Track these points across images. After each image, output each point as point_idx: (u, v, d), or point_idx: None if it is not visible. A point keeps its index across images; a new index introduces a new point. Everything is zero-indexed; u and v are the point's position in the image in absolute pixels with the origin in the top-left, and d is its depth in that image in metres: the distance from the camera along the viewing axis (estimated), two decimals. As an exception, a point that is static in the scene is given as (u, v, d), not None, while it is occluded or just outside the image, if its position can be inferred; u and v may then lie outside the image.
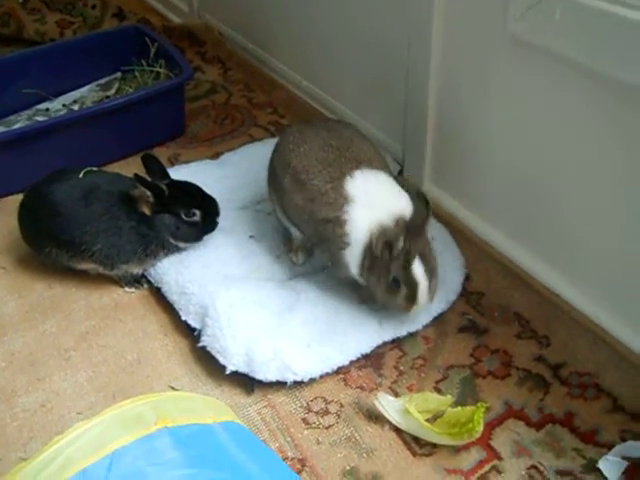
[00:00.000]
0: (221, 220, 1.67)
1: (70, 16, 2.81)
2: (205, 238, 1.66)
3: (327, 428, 1.35)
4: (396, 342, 1.50)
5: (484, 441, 1.30)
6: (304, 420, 1.36)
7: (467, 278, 1.64)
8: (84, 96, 2.35)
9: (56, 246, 1.61)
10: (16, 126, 2.18)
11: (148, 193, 1.56)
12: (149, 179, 1.58)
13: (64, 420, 1.38)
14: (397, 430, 1.33)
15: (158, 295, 1.64)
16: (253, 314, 1.48)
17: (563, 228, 1.50)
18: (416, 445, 1.31)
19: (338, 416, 1.37)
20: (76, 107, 2.29)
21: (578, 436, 1.31)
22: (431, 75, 1.69)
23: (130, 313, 1.62)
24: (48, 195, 1.61)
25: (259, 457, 1.04)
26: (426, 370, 1.45)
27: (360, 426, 1.35)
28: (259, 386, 1.42)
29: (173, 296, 1.58)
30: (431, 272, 1.39)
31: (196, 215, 1.62)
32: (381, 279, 1.41)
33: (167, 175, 1.63)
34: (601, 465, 1.24)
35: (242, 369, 1.40)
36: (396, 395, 1.39)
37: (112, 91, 2.35)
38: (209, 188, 1.68)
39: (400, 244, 1.34)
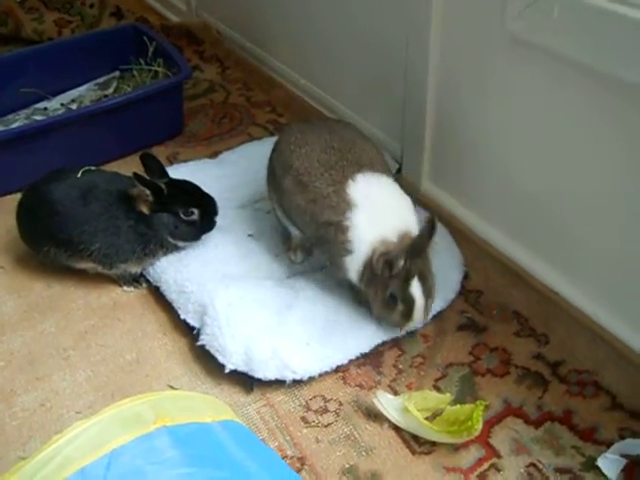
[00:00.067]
0: (220, 219, 1.67)
1: (68, 15, 2.80)
2: (204, 237, 1.66)
3: (326, 426, 1.35)
4: (395, 340, 1.50)
5: (483, 439, 1.30)
6: (303, 419, 1.36)
7: (466, 276, 1.64)
8: (82, 95, 2.35)
9: (54, 245, 1.61)
10: (14, 125, 2.18)
11: (147, 192, 1.56)
12: (148, 178, 1.57)
13: (63, 419, 1.38)
14: (396, 428, 1.33)
15: (157, 294, 1.64)
16: (252, 313, 1.48)
17: (562, 226, 1.50)
18: (415, 443, 1.31)
19: (337, 414, 1.37)
20: (74, 106, 2.29)
21: (577, 434, 1.31)
22: (429, 74, 1.69)
23: (129, 312, 1.62)
24: (46, 194, 1.61)
25: (258, 456, 1.04)
26: (425, 368, 1.45)
27: (359, 424, 1.35)
28: (258, 385, 1.42)
29: (172, 295, 1.58)
30: (428, 291, 1.40)
31: (195, 214, 1.61)
32: (378, 293, 1.41)
33: (166, 174, 1.63)
34: (600, 463, 1.24)
35: (241, 368, 1.41)
36: (395, 393, 1.39)
37: (110, 90, 2.35)
38: (208, 187, 1.68)
39: (400, 263, 1.35)
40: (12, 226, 1.71)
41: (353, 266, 1.43)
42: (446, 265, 1.58)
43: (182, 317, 1.54)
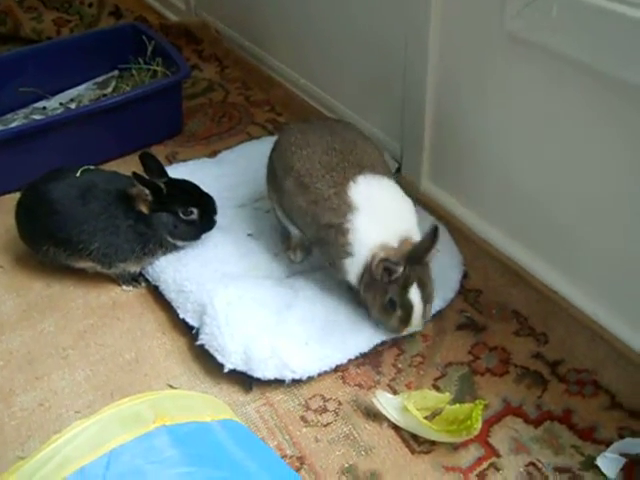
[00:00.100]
0: (219, 218, 1.67)
1: (67, 14, 2.80)
2: (203, 236, 1.66)
3: (325, 426, 1.35)
4: (394, 340, 1.50)
5: (482, 438, 1.30)
6: (302, 418, 1.36)
7: (465, 276, 1.64)
8: (81, 94, 2.35)
9: (54, 245, 1.61)
10: (13, 125, 2.18)
11: (146, 191, 1.56)
12: (147, 177, 1.57)
13: (62, 419, 1.38)
14: (395, 428, 1.33)
15: (156, 293, 1.64)
16: (251, 312, 1.48)
17: (561, 226, 1.50)
18: (414, 442, 1.31)
19: (336, 414, 1.37)
20: (73, 105, 2.29)
21: (576, 433, 1.31)
22: (429, 73, 1.69)
23: (128, 311, 1.62)
24: (45, 194, 1.61)
25: (257, 455, 1.04)
26: (424, 368, 1.45)
27: (358, 424, 1.35)
28: (257, 384, 1.42)
29: (171, 294, 1.58)
30: (427, 298, 1.40)
31: (194, 213, 1.61)
32: (377, 298, 1.42)
33: (165, 173, 1.63)
34: (599, 462, 1.24)
35: (240, 367, 1.40)
36: (394, 393, 1.39)
37: (109, 89, 2.35)
38: (207, 186, 1.68)
39: (400, 270, 1.35)
40: (11, 225, 1.71)
41: (353, 269, 1.44)
42: (445, 264, 1.58)
43: (181, 316, 1.54)
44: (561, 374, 1.42)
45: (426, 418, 1.30)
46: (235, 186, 1.89)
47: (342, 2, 1.97)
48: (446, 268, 1.58)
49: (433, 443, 1.30)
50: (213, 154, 2.10)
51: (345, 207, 1.42)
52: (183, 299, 1.55)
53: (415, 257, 1.37)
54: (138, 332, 1.56)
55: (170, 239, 1.62)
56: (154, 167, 1.61)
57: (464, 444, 1.29)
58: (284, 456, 1.29)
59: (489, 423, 1.33)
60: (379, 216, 1.42)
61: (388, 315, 1.42)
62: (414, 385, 1.42)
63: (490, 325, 1.53)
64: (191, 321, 1.52)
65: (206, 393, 1.37)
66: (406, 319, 1.40)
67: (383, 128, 1.99)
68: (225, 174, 1.93)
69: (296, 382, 1.41)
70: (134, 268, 1.65)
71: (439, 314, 1.54)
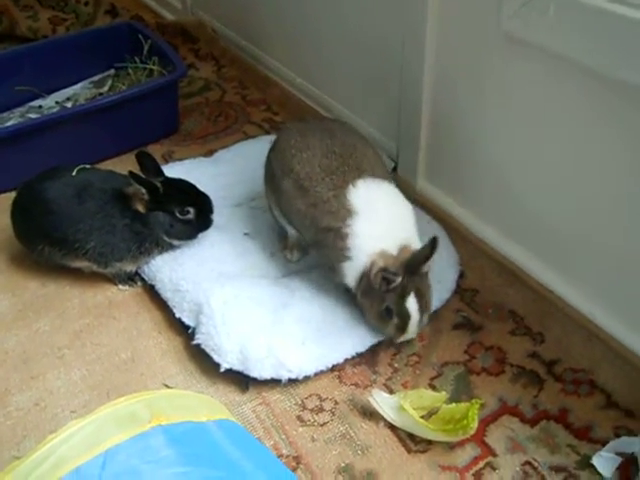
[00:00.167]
0: (215, 217, 1.66)
1: (63, 13, 2.79)
2: (200, 236, 1.66)
3: (322, 425, 1.35)
4: (391, 340, 1.49)
5: (479, 437, 1.30)
6: (299, 418, 1.36)
7: (461, 275, 1.64)
8: (77, 93, 2.34)
9: (49, 244, 1.61)
10: (9, 123, 2.17)
11: (142, 190, 1.55)
12: (143, 176, 1.57)
13: (58, 418, 1.37)
14: (392, 427, 1.33)
15: (152, 293, 1.64)
16: (247, 311, 1.48)
17: (558, 225, 1.50)
18: (411, 442, 1.31)
19: (333, 413, 1.37)
20: (69, 104, 2.28)
21: (572, 432, 1.31)
22: (425, 73, 1.69)
23: (124, 311, 1.61)
24: (41, 193, 1.60)
25: (254, 455, 1.04)
26: (421, 367, 1.45)
27: (355, 423, 1.35)
28: (253, 384, 1.42)
29: (167, 293, 1.58)
30: (424, 307, 1.40)
31: (190, 213, 1.61)
32: (374, 305, 1.41)
33: (161, 173, 1.62)
34: (595, 461, 1.25)
35: (236, 367, 1.40)
36: (391, 392, 1.39)
37: (105, 88, 2.35)
38: (203, 186, 1.67)
39: (398, 280, 1.35)
40: (6, 225, 1.70)
41: (350, 272, 1.43)
42: (442, 264, 1.58)
43: (177, 316, 1.53)
44: (557, 373, 1.42)
45: (422, 417, 1.30)
46: (231, 185, 1.89)
47: (339, 2, 1.97)
48: (442, 268, 1.58)
49: (429, 442, 1.30)
50: (209, 153, 2.09)
51: (344, 211, 1.42)
52: (179, 298, 1.54)
53: (413, 267, 1.36)
54: (134, 331, 1.56)
55: (166, 238, 1.62)
56: (150, 166, 1.61)
57: (460, 443, 1.29)
58: (280, 456, 1.29)
59: (485, 422, 1.33)
60: (379, 222, 1.41)
61: (384, 322, 1.42)
62: (410, 384, 1.42)
63: (486, 325, 1.53)
64: (187, 320, 1.52)
65: (202, 393, 1.38)
66: (402, 327, 1.40)
67: (379, 127, 1.99)
68: (221, 173, 1.93)
69: (292, 382, 1.41)
70: (130, 267, 1.64)
71: (435, 314, 1.54)
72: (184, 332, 1.53)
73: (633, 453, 1.24)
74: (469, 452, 1.29)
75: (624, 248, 1.37)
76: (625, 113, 1.26)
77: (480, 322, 1.54)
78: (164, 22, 2.86)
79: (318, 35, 2.13)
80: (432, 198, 1.84)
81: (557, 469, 1.25)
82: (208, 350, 1.43)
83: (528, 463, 1.26)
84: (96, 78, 2.40)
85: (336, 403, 1.39)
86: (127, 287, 1.67)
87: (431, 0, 1.58)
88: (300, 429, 1.34)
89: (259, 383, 1.41)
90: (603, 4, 1.19)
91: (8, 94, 2.23)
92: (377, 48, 1.87)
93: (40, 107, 2.27)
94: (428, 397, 1.35)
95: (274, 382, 1.40)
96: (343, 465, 1.27)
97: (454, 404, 1.32)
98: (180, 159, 2.05)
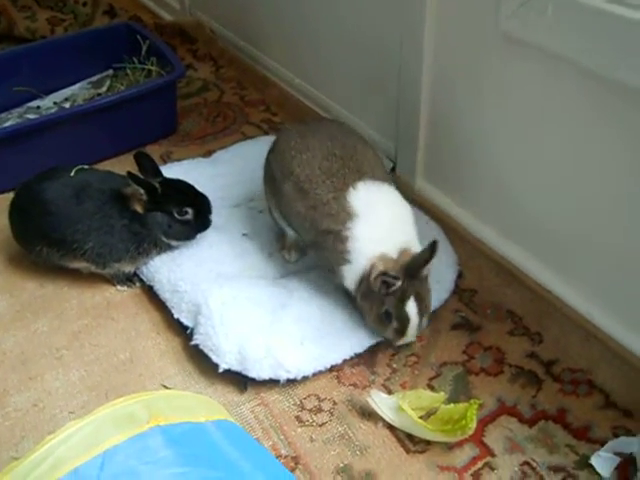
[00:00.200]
0: (214, 218, 1.66)
1: (61, 13, 2.79)
2: (198, 236, 1.66)
3: (320, 426, 1.35)
4: (389, 340, 1.50)
5: (477, 438, 1.30)
6: (297, 418, 1.36)
7: (460, 275, 1.64)
8: (75, 94, 2.34)
9: (47, 245, 1.60)
10: (7, 124, 2.17)
11: (141, 191, 1.55)
12: (142, 177, 1.57)
13: (56, 419, 1.37)
14: (390, 427, 1.33)
15: (150, 293, 1.64)
16: (246, 312, 1.48)
17: (556, 225, 1.50)
18: (409, 442, 1.31)
19: (331, 414, 1.37)
20: (67, 105, 2.28)
21: (571, 432, 1.31)
22: (424, 73, 1.69)
23: (122, 312, 1.61)
24: (39, 193, 1.60)
25: (252, 455, 1.04)
26: (419, 367, 1.45)
27: (353, 423, 1.35)
28: (252, 384, 1.41)
29: (165, 294, 1.58)
30: (424, 311, 1.40)
31: (188, 213, 1.61)
32: (374, 308, 1.41)
33: (160, 173, 1.62)
34: (593, 461, 1.25)
35: (235, 367, 1.40)
36: (389, 392, 1.39)
37: (103, 89, 2.35)
38: (202, 186, 1.67)
39: (398, 284, 1.35)
40: (4, 225, 1.70)
41: (350, 275, 1.43)
42: (440, 264, 1.58)
43: (176, 316, 1.53)
44: (555, 373, 1.42)
45: (421, 418, 1.30)
46: (230, 186, 1.89)
47: (337, 2, 1.97)
48: (441, 268, 1.58)
49: (428, 443, 1.30)
50: (208, 154, 2.09)
51: (344, 214, 1.42)
52: (177, 299, 1.54)
53: (413, 270, 1.36)
54: (132, 332, 1.56)
55: (165, 239, 1.62)
56: (149, 167, 1.61)
57: (459, 444, 1.29)
58: (279, 456, 1.29)
59: (484, 423, 1.33)
60: (379, 225, 1.41)
61: (384, 326, 1.42)
62: (409, 385, 1.42)
63: (485, 325, 1.53)
64: (185, 321, 1.51)
65: (201, 393, 1.38)
66: (402, 331, 1.40)
67: (378, 127, 1.99)
68: (220, 174, 1.93)
69: (291, 382, 1.41)
70: (128, 268, 1.64)
71: (434, 314, 1.54)
72: (182, 333, 1.53)
73: (632, 453, 1.24)
74: (468, 452, 1.29)
75: (622, 248, 1.37)
76: (623, 113, 1.26)
77: (478, 322, 1.54)
78: (162, 23, 2.85)
79: (316, 35, 2.13)
80: (430, 198, 1.84)
81: (556, 469, 1.25)
82: (206, 350, 1.43)
83: (527, 463, 1.26)
84: (94, 79, 2.40)
85: (335, 403, 1.39)
86: (125, 288, 1.67)
87: (430, 0, 1.58)
88: (299, 429, 1.34)
89: (257, 383, 1.41)
90: (601, 4, 1.20)
91: (6, 95, 2.22)
92: (375, 48, 1.87)
93: (38, 108, 2.27)
94: (427, 397, 1.35)
95: (272, 382, 1.40)
96: (342, 465, 1.27)
97: (452, 404, 1.32)
98: (178, 160, 2.05)
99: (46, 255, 1.62)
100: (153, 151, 2.08)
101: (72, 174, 1.63)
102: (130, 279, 1.67)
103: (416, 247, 1.41)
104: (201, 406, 1.09)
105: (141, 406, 1.00)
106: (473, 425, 1.26)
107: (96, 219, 1.58)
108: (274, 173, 1.57)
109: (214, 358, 1.41)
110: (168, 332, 1.56)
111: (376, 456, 1.29)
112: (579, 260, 1.48)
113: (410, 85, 1.75)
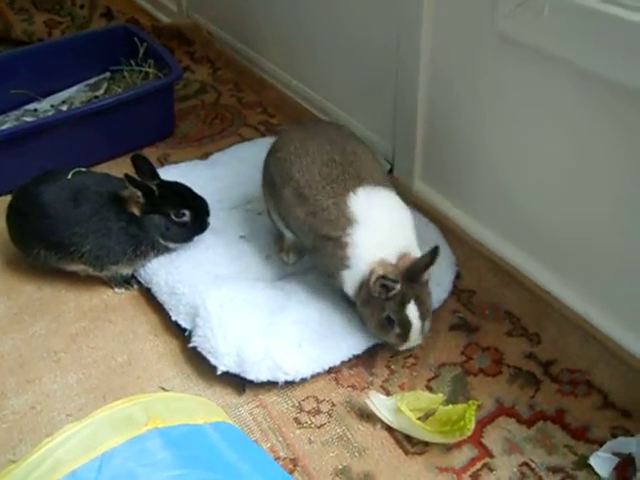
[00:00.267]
0: (211, 220, 1.66)
1: (58, 16, 2.79)
2: (195, 238, 1.66)
3: (319, 427, 1.34)
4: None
5: (475, 439, 1.30)
6: (296, 420, 1.36)
7: (458, 276, 1.64)
8: (73, 96, 2.34)
9: (45, 247, 1.60)
10: (4, 127, 2.16)
11: (138, 193, 1.55)
12: (139, 179, 1.57)
13: (54, 422, 1.37)
14: (389, 429, 1.33)
15: (148, 296, 1.64)
16: (244, 314, 1.47)
17: (554, 226, 1.51)
18: (408, 443, 1.31)
19: (330, 415, 1.37)
20: (65, 107, 2.28)
21: (569, 433, 1.31)
22: (420, 73, 1.69)
23: (120, 314, 1.61)
24: (37, 196, 1.60)
25: (251, 457, 1.04)
26: (417, 368, 1.45)
27: (352, 425, 1.35)
28: (250, 386, 1.41)
29: (163, 296, 1.58)
30: (425, 314, 1.39)
31: (186, 215, 1.61)
32: (374, 314, 1.41)
33: (157, 175, 1.62)
34: (592, 461, 1.25)
35: (233, 369, 1.40)
36: (388, 394, 1.39)
37: (101, 91, 2.34)
38: (199, 188, 1.67)
39: (398, 287, 1.34)
40: (2, 228, 1.70)
41: (349, 280, 1.43)
42: (438, 265, 1.58)
43: (173, 319, 1.53)
44: (554, 374, 1.42)
45: (419, 419, 1.30)
46: (227, 188, 1.88)
47: (333, 3, 1.98)
48: (439, 269, 1.57)
49: (426, 444, 1.30)
50: (205, 156, 2.09)
51: (344, 220, 1.41)
52: (175, 301, 1.54)
53: (413, 274, 1.36)
54: (130, 335, 1.56)
55: (162, 241, 1.62)
56: (146, 169, 1.61)
57: (457, 445, 1.29)
58: (277, 458, 1.29)
59: (482, 423, 1.33)
60: (378, 231, 1.41)
61: (386, 331, 1.41)
62: (407, 386, 1.42)
63: (483, 325, 1.53)
64: (183, 323, 1.51)
65: (199, 395, 1.37)
66: (404, 336, 1.39)
67: (375, 129, 1.99)
68: (217, 176, 1.93)
69: (289, 384, 1.41)
70: (126, 270, 1.64)
71: (432, 315, 1.54)
72: (180, 335, 1.52)
73: (630, 453, 1.24)
74: (466, 453, 1.28)
75: (620, 249, 1.37)
76: (620, 113, 1.26)
77: (477, 323, 1.54)
78: (160, 25, 2.86)
79: (313, 37, 2.13)
80: (428, 199, 1.84)
81: (554, 470, 1.25)
82: (204, 353, 1.43)
83: (525, 464, 1.26)
84: (92, 81, 2.39)
85: (333, 405, 1.38)
86: (123, 290, 1.67)
87: (426, 1, 1.58)
88: (297, 431, 1.34)
89: (256, 385, 1.41)
90: (597, 5, 1.20)
91: (3, 97, 2.22)
92: (372, 50, 1.88)
93: (35, 110, 2.27)
94: (425, 399, 1.35)
95: (271, 384, 1.40)
96: (340, 467, 1.27)
97: (451, 405, 1.32)
98: (176, 162, 2.05)
99: (44, 258, 1.62)
100: (150, 153, 2.08)
101: (69, 177, 1.63)
102: (128, 281, 1.67)
103: (416, 251, 1.41)
104: (199, 408, 1.09)
105: (139, 408, 1.00)
106: (472, 426, 1.26)
107: (93, 222, 1.58)
108: (273, 177, 1.56)
109: (212, 360, 1.41)
110: (166, 334, 1.56)
111: (375, 457, 1.29)
112: (577, 261, 1.48)
113: (407, 86, 1.75)
